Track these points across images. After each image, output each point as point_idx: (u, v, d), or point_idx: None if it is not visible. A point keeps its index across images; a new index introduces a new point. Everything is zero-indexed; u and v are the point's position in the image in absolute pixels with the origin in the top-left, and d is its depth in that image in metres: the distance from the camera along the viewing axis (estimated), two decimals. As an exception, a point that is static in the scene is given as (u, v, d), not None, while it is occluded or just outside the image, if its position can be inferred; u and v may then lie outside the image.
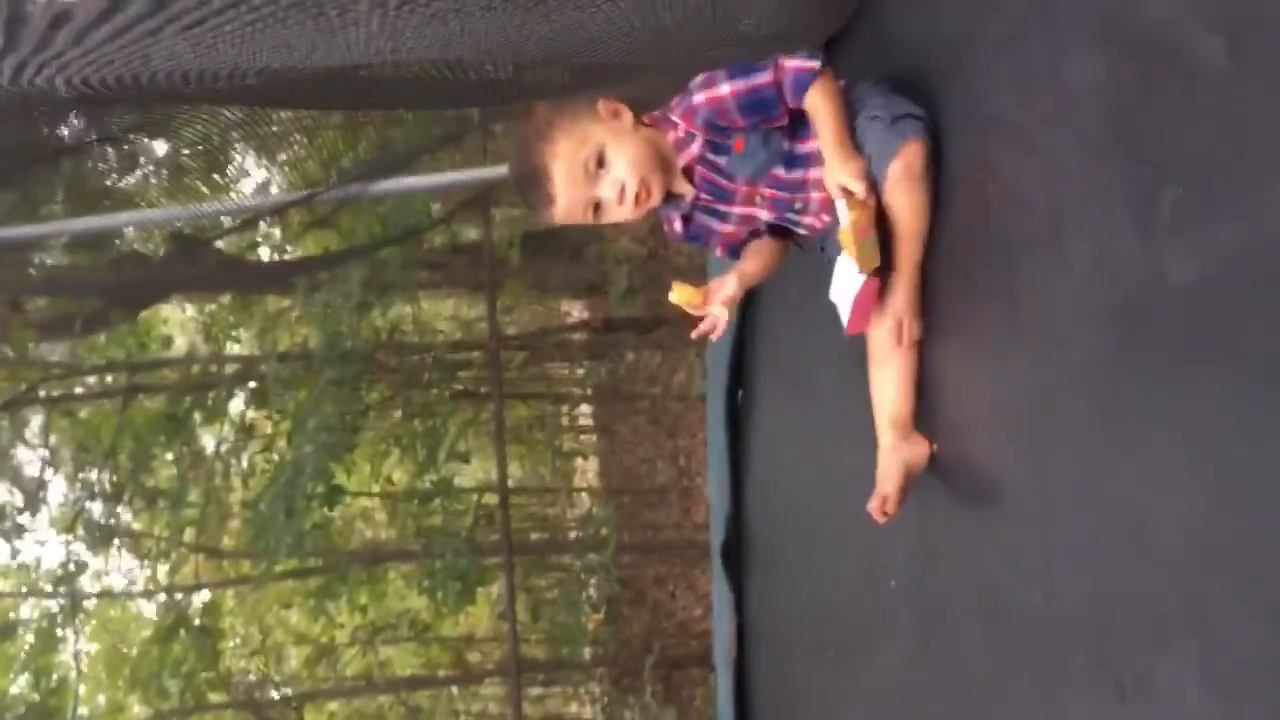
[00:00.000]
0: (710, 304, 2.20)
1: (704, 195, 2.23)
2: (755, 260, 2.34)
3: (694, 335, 2.24)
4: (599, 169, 2.12)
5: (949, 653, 2.08)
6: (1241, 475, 1.29)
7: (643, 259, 8.55)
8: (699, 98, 2.10)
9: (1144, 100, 1.50)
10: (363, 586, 8.73)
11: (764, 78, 2.06)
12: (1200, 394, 1.37)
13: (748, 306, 3.41)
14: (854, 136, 2.08)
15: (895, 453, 2.07)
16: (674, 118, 2.17)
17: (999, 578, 1.86)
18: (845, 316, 2.17)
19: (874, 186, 2.04)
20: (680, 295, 2.15)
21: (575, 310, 12.81)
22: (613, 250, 7.99)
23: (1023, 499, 1.81)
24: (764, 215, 2.26)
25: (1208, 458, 1.35)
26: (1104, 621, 1.57)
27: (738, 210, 2.25)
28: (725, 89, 2.07)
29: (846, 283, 2.13)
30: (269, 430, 8.62)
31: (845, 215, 2.04)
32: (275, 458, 7.55)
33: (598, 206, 2.16)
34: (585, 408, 13.34)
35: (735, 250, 2.37)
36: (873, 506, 2.02)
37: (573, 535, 10.49)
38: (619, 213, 2.16)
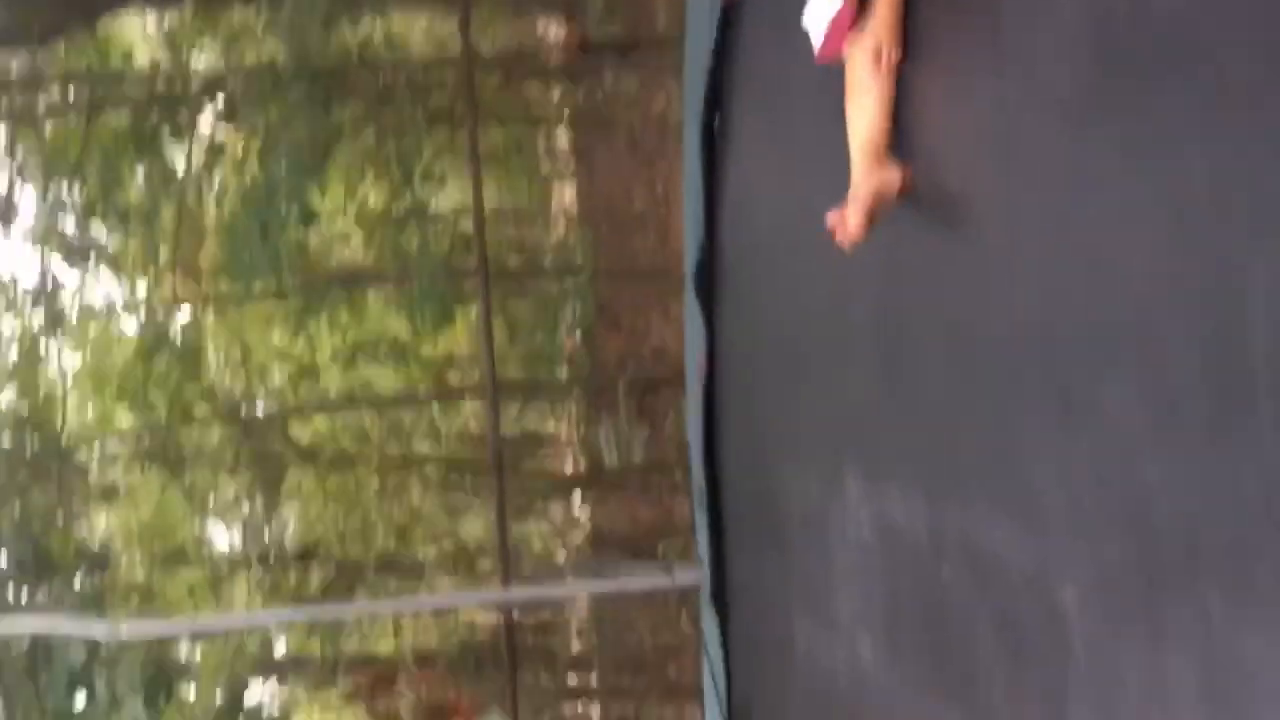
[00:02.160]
0: None
1: None
2: None
3: None
4: None
5: (909, 375, 2.16)
6: (1198, 205, 1.32)
7: (623, -26, 8.17)
8: None
9: None
10: (342, 307, 8.80)
11: None
12: (1164, 126, 1.37)
13: (728, 26, 3.31)
14: None
15: (867, 178, 2.07)
16: None
17: (961, 301, 1.91)
18: (818, 43, 2.14)
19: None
20: None
21: (552, 30, 12.35)
22: (591, -35, 7.62)
23: (989, 224, 1.84)
24: None
25: (1171, 188, 1.37)
26: (1056, 342, 1.63)
27: None
28: None
29: (823, 7, 2.09)
30: (239, 151, 8.45)
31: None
32: (248, 179, 7.43)
33: None
34: (563, 132, 13.08)
35: None
36: (831, 223, 2.04)
37: (550, 261, 10.52)
38: None
